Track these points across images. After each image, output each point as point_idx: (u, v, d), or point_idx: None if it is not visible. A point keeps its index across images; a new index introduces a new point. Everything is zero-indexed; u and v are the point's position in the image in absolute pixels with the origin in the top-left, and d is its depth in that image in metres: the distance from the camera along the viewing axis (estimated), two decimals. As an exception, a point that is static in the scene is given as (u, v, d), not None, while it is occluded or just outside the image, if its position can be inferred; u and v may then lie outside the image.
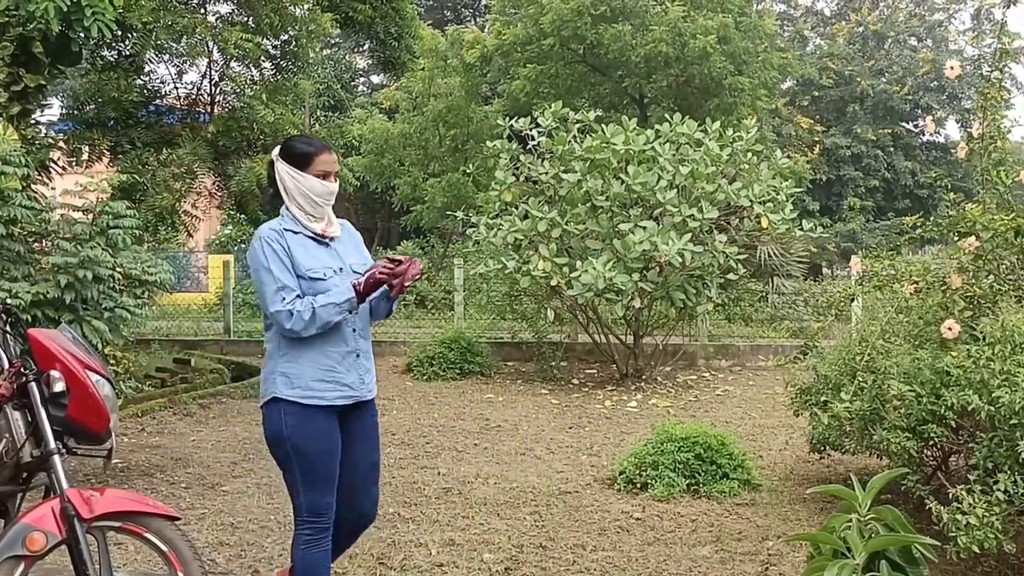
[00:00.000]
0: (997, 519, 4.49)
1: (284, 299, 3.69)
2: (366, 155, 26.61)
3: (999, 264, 6.02)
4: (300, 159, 3.84)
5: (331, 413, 3.82)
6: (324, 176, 3.83)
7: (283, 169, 3.85)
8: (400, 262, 3.76)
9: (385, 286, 3.79)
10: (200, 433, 9.40)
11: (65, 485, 3.53)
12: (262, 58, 12.76)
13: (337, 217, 4.02)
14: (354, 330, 3.87)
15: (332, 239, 3.91)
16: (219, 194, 14.24)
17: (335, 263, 3.84)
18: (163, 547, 3.62)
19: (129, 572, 5.15)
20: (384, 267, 3.72)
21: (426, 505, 6.64)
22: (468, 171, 17.78)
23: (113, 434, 3.78)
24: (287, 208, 3.87)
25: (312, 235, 3.85)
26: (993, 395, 4.70)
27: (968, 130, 6.71)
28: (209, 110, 13.47)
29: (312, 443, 3.78)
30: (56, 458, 3.56)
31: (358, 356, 3.88)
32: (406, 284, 3.75)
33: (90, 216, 7.56)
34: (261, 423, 3.89)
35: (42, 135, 11.14)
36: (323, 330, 3.71)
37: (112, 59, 12.71)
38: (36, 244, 7.72)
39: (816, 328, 7.26)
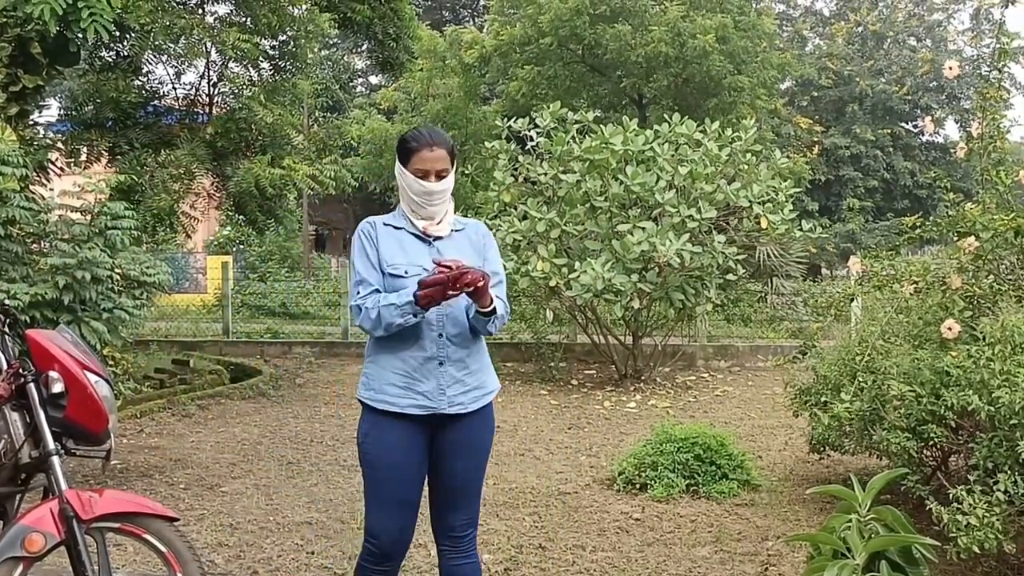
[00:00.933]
0: (997, 519, 4.49)
1: (359, 293, 3.48)
2: (364, 156, 26.62)
3: (999, 264, 6.02)
4: (403, 154, 3.60)
5: (410, 425, 3.52)
6: (423, 175, 3.55)
7: (396, 163, 3.65)
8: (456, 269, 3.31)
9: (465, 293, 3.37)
10: (199, 434, 9.39)
11: (64, 486, 3.52)
12: (260, 59, 12.74)
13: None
14: (440, 335, 3.50)
15: (437, 238, 3.60)
16: (217, 195, 14.22)
17: (429, 261, 3.47)
18: (162, 548, 3.62)
19: (128, 573, 5.15)
20: (441, 269, 3.31)
21: (425, 506, 6.62)
22: (467, 172, 17.80)
23: (112, 435, 3.77)
24: (400, 202, 3.68)
25: (415, 232, 3.60)
26: (993, 395, 4.70)
27: (967, 130, 6.72)
28: (207, 111, 13.45)
29: (379, 457, 3.54)
30: (55, 459, 3.55)
31: (441, 364, 3.50)
32: (454, 290, 3.30)
33: (88, 217, 7.56)
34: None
35: (40, 136, 11.13)
36: (390, 332, 3.42)
37: (110, 60, 12.70)
38: (34, 245, 7.72)
39: (815, 328, 7.25)
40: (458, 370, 3.54)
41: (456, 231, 3.66)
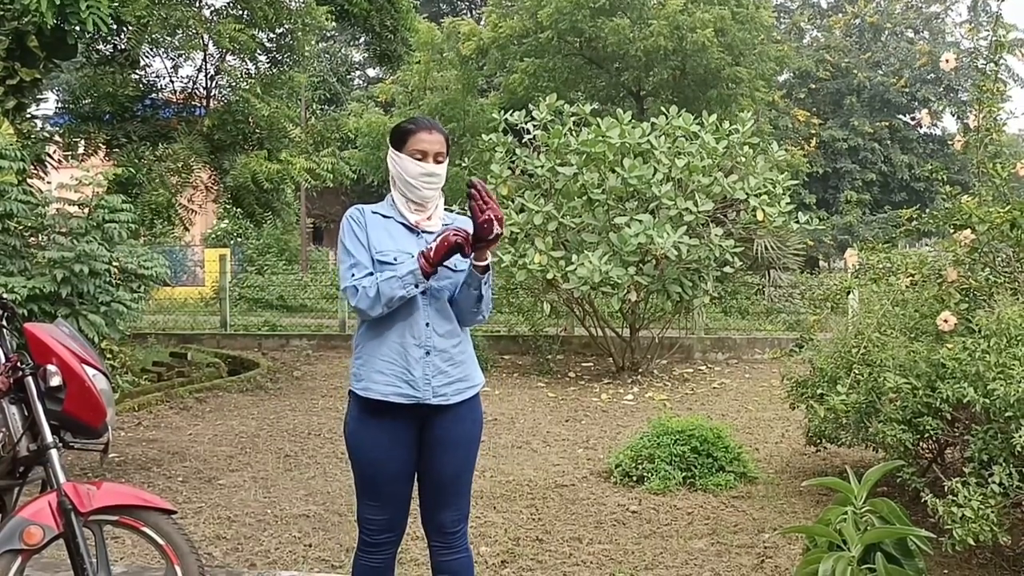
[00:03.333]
0: (992, 511, 4.50)
1: (353, 275, 3.43)
2: (362, 148, 26.63)
3: (995, 256, 6.03)
4: (399, 137, 3.57)
5: (396, 418, 3.50)
6: (422, 157, 3.52)
7: (389, 152, 3.62)
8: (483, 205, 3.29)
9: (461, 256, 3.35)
10: (197, 427, 9.40)
11: (62, 479, 3.53)
12: (257, 52, 12.75)
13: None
14: (427, 324, 3.48)
15: (428, 232, 3.56)
16: (215, 188, 14.24)
17: (417, 250, 3.45)
18: (160, 541, 3.62)
19: (126, 566, 5.16)
20: (458, 230, 3.32)
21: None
22: (464, 164, 17.81)
23: (110, 428, 3.78)
24: (390, 193, 3.64)
25: (405, 223, 3.57)
26: (988, 387, 4.71)
27: (965, 122, 6.73)
28: (204, 104, 13.46)
29: (363, 447, 3.54)
30: (53, 452, 3.56)
31: (428, 353, 3.47)
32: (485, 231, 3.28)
33: (86, 210, 7.55)
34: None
35: (38, 129, 11.12)
36: (390, 307, 3.38)
37: (107, 53, 12.69)
38: (32, 239, 7.71)
39: (812, 321, 7.25)
40: (442, 360, 3.51)
41: (447, 225, 3.62)
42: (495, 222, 3.29)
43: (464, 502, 3.71)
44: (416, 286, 3.38)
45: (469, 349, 3.67)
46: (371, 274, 3.45)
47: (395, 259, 3.45)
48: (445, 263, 3.40)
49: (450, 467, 3.62)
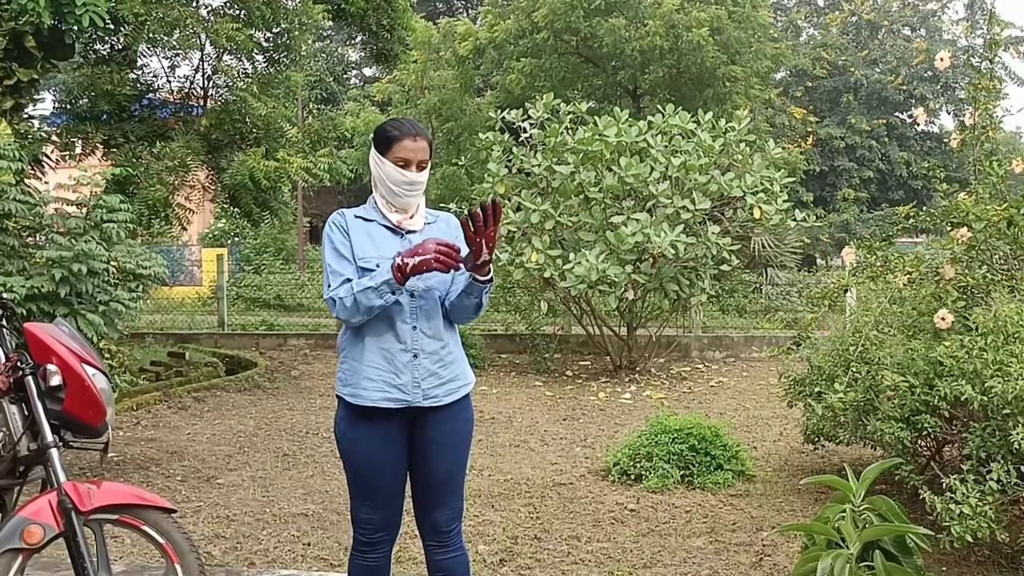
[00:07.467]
0: (990, 508, 4.52)
1: (331, 286, 3.45)
2: (359, 148, 26.61)
3: (992, 254, 6.04)
4: (383, 143, 3.57)
5: (387, 420, 3.51)
6: (404, 165, 3.52)
7: (372, 153, 3.62)
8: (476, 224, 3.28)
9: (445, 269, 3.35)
10: (195, 426, 9.40)
11: (62, 478, 3.53)
12: (254, 51, 12.73)
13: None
14: (414, 328, 3.49)
15: (411, 231, 3.58)
16: (212, 187, 14.23)
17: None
18: (160, 539, 3.63)
19: (126, 565, 5.16)
20: (437, 243, 3.32)
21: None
22: (461, 163, 17.83)
23: (109, 427, 3.78)
24: (372, 194, 3.64)
25: (387, 224, 3.57)
26: (986, 385, 4.72)
27: (961, 120, 6.75)
28: (202, 103, 13.45)
29: (355, 450, 3.55)
30: (53, 451, 3.56)
31: (416, 356, 3.48)
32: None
33: (84, 210, 7.56)
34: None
35: (35, 129, 11.11)
36: (370, 315, 3.40)
37: (105, 53, 12.68)
38: (30, 238, 7.71)
39: (810, 319, 7.26)
40: (432, 363, 3.52)
41: (428, 224, 3.64)
42: (483, 250, 3.30)
43: (458, 501, 3.71)
44: (393, 293, 3.38)
45: (458, 349, 3.67)
46: (348, 281, 3.44)
47: (377, 265, 3.44)
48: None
49: (443, 467, 3.62)
